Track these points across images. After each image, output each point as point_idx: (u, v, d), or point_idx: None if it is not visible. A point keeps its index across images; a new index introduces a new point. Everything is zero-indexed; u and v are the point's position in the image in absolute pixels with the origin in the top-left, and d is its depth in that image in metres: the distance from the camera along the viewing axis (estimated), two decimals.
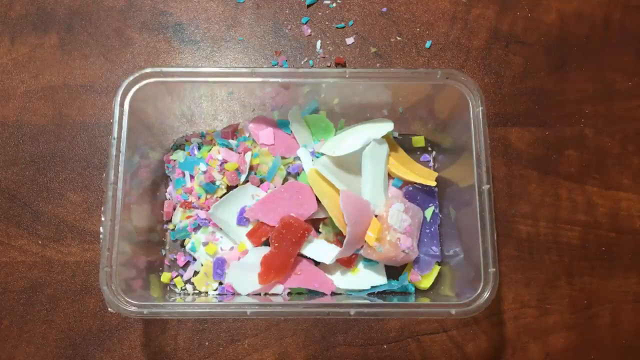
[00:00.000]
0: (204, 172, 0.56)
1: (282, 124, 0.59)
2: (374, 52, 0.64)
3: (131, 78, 0.49)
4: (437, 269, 0.56)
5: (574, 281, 0.59)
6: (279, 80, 0.50)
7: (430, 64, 0.64)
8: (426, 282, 0.55)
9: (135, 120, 0.49)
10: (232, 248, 0.56)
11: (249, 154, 0.57)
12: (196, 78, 0.50)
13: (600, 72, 0.64)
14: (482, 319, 0.58)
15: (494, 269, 0.46)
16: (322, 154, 0.58)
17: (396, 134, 0.60)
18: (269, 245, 0.54)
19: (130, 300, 0.46)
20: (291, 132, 0.59)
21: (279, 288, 0.54)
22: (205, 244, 0.56)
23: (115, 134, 0.48)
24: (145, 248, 0.53)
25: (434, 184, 0.56)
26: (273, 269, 0.53)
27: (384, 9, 0.66)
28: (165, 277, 0.56)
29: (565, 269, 0.59)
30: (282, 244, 0.53)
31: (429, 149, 0.61)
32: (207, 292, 0.56)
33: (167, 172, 0.59)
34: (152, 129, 0.55)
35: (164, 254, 0.58)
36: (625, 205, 0.61)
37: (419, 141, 0.60)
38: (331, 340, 0.57)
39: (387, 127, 0.56)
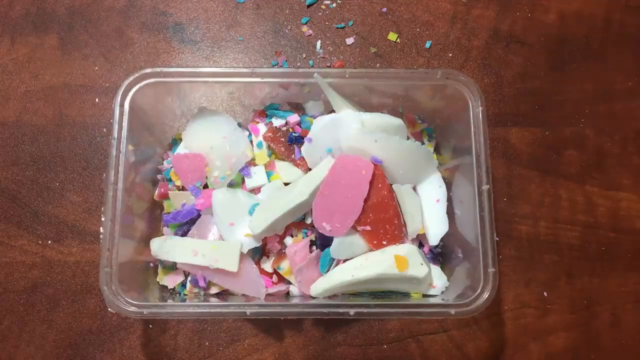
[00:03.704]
0: None
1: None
2: (374, 52, 0.64)
3: (131, 78, 0.49)
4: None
5: (574, 281, 0.59)
6: (279, 80, 0.50)
7: (430, 64, 0.64)
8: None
9: (135, 120, 0.49)
10: None
11: None
12: (196, 78, 0.50)
13: (600, 72, 0.64)
14: (482, 319, 0.58)
15: (494, 269, 0.46)
16: None
17: None
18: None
19: (130, 301, 0.46)
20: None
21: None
22: None
23: (115, 134, 0.48)
24: (145, 248, 0.53)
25: None
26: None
27: (384, 9, 0.66)
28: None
29: (565, 269, 0.59)
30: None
31: None
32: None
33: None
34: (152, 129, 0.55)
35: None
36: (625, 205, 0.61)
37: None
38: (331, 340, 0.57)
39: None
